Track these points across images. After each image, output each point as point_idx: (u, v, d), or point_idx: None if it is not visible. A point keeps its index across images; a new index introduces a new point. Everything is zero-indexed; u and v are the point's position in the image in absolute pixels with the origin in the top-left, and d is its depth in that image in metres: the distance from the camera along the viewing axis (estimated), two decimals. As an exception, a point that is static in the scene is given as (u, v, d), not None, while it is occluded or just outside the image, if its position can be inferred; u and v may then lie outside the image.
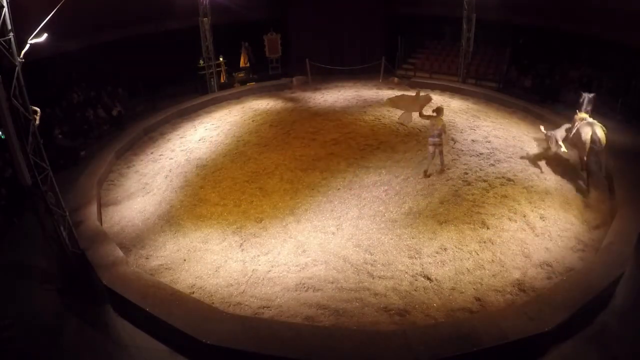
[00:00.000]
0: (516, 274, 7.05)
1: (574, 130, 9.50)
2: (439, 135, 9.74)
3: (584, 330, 6.15)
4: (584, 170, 9.41)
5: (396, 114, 13.70)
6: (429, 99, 10.44)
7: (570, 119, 10.09)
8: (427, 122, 10.13)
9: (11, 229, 9.04)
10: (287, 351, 5.58)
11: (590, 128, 9.08)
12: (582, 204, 8.86)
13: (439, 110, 9.86)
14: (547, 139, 10.33)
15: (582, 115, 9.69)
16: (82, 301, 7.17)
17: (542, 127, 10.67)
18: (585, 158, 9.20)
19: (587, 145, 9.03)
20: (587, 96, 10.68)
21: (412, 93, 10.63)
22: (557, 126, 10.51)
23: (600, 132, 9.04)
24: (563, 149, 9.66)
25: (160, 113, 14.53)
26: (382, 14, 18.55)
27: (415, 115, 10.46)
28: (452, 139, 11.67)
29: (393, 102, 10.76)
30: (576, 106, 10.73)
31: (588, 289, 6.31)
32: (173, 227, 8.77)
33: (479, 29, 16.01)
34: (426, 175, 9.90)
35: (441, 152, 10.05)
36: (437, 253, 7.58)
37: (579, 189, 9.29)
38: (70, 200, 9.02)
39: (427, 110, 10.25)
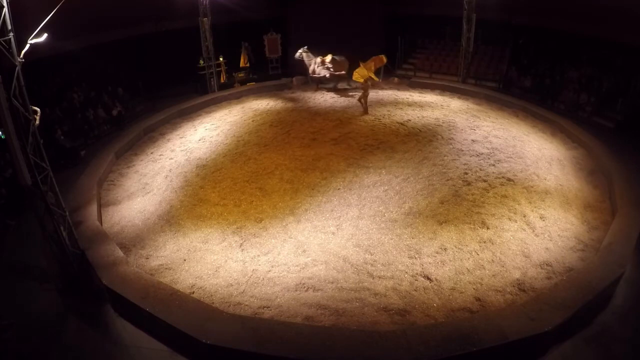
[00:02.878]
0: (516, 274, 7.05)
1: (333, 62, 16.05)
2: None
3: (584, 330, 6.16)
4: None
5: (396, 113, 13.76)
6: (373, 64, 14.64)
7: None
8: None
9: (11, 229, 9.05)
10: (287, 351, 5.58)
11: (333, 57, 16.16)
12: (582, 204, 8.86)
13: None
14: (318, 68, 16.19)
15: (328, 56, 16.02)
16: (82, 301, 7.18)
17: (303, 49, 16.35)
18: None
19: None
20: (303, 50, 16.32)
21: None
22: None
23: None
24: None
25: (160, 113, 14.54)
26: (382, 14, 18.56)
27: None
28: (451, 138, 11.71)
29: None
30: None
31: (588, 289, 6.32)
32: (173, 227, 8.77)
33: (479, 29, 16.03)
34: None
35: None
36: (437, 253, 7.58)
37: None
38: (70, 200, 9.03)
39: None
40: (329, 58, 16.02)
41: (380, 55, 14.80)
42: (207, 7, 15.38)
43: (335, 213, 8.85)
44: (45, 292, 7.37)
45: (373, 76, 14.73)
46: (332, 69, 16.01)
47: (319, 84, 16.72)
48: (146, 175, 11.05)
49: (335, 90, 16.45)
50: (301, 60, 16.57)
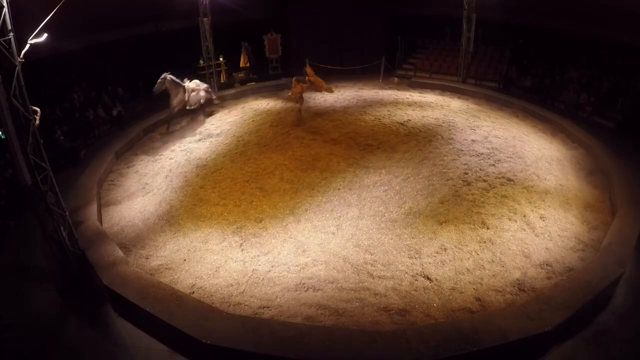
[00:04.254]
0: (516, 274, 7.05)
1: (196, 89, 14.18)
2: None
3: (584, 330, 6.15)
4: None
5: (396, 113, 13.77)
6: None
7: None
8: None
9: (11, 229, 9.04)
10: (287, 351, 5.58)
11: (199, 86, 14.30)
12: (582, 204, 8.86)
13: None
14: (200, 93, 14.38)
15: (193, 84, 14.15)
16: (82, 301, 7.18)
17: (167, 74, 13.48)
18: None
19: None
20: (168, 74, 13.28)
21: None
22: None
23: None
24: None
25: (160, 113, 14.51)
26: (382, 14, 18.55)
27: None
28: (451, 138, 11.70)
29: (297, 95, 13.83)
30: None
31: (588, 289, 6.31)
32: (173, 227, 8.77)
33: (479, 29, 16.03)
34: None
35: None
36: (437, 253, 7.58)
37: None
38: (70, 200, 9.03)
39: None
40: (194, 84, 14.00)
41: (306, 66, 14.79)
42: (207, 7, 15.36)
43: (335, 213, 8.85)
44: (45, 292, 7.36)
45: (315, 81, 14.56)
46: (206, 93, 14.42)
47: (179, 116, 14.23)
48: (146, 175, 11.06)
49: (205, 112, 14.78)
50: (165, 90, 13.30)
